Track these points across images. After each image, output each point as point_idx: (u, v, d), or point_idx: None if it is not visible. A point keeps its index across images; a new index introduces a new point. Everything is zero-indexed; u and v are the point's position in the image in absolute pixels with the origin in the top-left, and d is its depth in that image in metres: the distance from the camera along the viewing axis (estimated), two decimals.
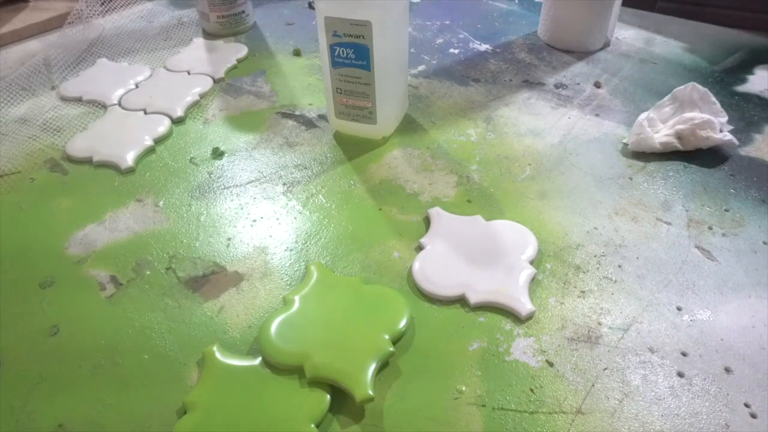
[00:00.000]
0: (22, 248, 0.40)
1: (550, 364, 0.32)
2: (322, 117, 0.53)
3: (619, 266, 0.38)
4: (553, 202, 0.43)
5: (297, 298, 0.34)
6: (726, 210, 0.42)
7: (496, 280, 0.36)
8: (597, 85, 0.56)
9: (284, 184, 0.45)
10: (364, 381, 0.30)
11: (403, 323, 0.33)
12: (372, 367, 0.30)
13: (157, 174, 0.47)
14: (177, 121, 0.52)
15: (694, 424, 0.29)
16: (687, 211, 0.42)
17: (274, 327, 0.33)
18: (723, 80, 0.57)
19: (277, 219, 0.42)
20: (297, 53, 0.63)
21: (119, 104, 0.54)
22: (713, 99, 0.47)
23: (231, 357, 0.32)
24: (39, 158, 0.48)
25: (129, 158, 0.47)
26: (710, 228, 0.40)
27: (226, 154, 0.49)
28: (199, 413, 0.29)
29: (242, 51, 0.63)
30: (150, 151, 0.49)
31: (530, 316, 0.34)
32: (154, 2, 0.73)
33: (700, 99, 0.47)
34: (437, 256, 0.38)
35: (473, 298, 0.35)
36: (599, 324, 0.34)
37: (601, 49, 0.62)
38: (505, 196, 0.44)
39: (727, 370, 0.32)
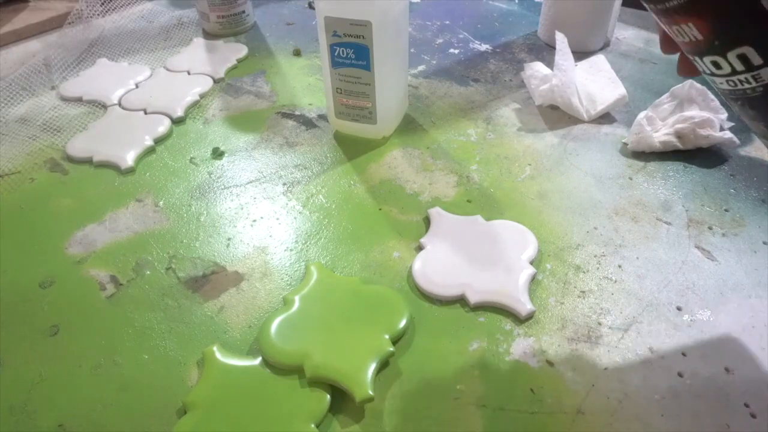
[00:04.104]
0: (22, 248, 0.40)
1: (550, 364, 0.32)
2: (322, 117, 0.53)
3: (619, 266, 0.38)
4: (553, 202, 0.43)
5: (297, 298, 0.34)
6: (726, 210, 0.42)
7: (496, 280, 0.36)
8: None
9: (284, 184, 0.45)
10: (364, 381, 0.30)
11: (403, 323, 0.33)
12: (372, 367, 0.30)
13: (157, 174, 0.47)
14: (177, 121, 0.52)
15: (694, 424, 0.29)
16: (687, 211, 0.42)
17: (274, 327, 0.33)
18: None
19: (277, 219, 0.42)
20: (297, 53, 0.63)
21: (119, 104, 0.54)
22: (711, 96, 0.47)
23: (231, 357, 0.32)
24: (39, 158, 0.48)
25: (129, 158, 0.47)
26: (710, 228, 0.40)
27: (226, 154, 0.49)
28: (199, 413, 0.29)
29: (242, 51, 0.63)
30: (150, 151, 0.49)
31: (530, 316, 0.34)
32: (154, 2, 0.73)
33: (699, 96, 0.47)
34: (437, 256, 0.38)
35: (473, 298, 0.35)
36: (599, 324, 0.34)
37: (601, 49, 0.62)
38: (505, 196, 0.44)
39: (727, 370, 0.32)
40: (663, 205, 0.42)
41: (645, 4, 0.24)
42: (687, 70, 0.27)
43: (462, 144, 0.49)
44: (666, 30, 0.25)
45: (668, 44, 0.27)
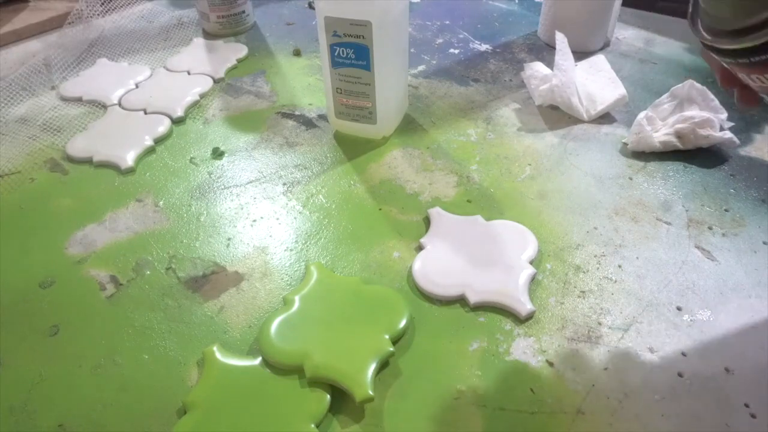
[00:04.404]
0: (22, 248, 0.40)
1: (550, 364, 0.32)
2: (322, 117, 0.53)
3: (619, 266, 0.38)
4: (553, 202, 0.43)
5: (297, 298, 0.34)
6: (726, 210, 0.42)
7: (496, 280, 0.36)
8: None
9: (284, 184, 0.45)
10: (364, 381, 0.30)
11: (403, 323, 0.33)
12: (372, 367, 0.30)
13: (157, 174, 0.47)
14: (177, 121, 0.52)
15: (694, 424, 0.29)
16: (687, 211, 0.42)
17: (274, 327, 0.33)
18: None
19: (277, 219, 0.42)
20: (297, 53, 0.63)
21: (119, 104, 0.54)
22: (711, 96, 0.47)
23: (231, 357, 0.32)
24: (39, 158, 0.48)
25: (129, 158, 0.47)
26: (710, 228, 0.40)
27: (226, 154, 0.49)
28: (199, 413, 0.29)
29: (242, 51, 0.63)
30: (150, 151, 0.49)
31: (530, 316, 0.34)
32: (154, 2, 0.73)
33: (699, 95, 0.47)
34: (437, 256, 0.38)
35: (473, 298, 0.35)
36: (599, 324, 0.34)
37: (601, 49, 0.62)
38: (505, 196, 0.44)
39: (727, 370, 0.32)
40: (663, 205, 0.42)
41: (719, 59, 0.24)
42: (748, 102, 0.28)
43: (462, 144, 0.49)
44: (742, 77, 0.25)
45: (729, 81, 0.27)
